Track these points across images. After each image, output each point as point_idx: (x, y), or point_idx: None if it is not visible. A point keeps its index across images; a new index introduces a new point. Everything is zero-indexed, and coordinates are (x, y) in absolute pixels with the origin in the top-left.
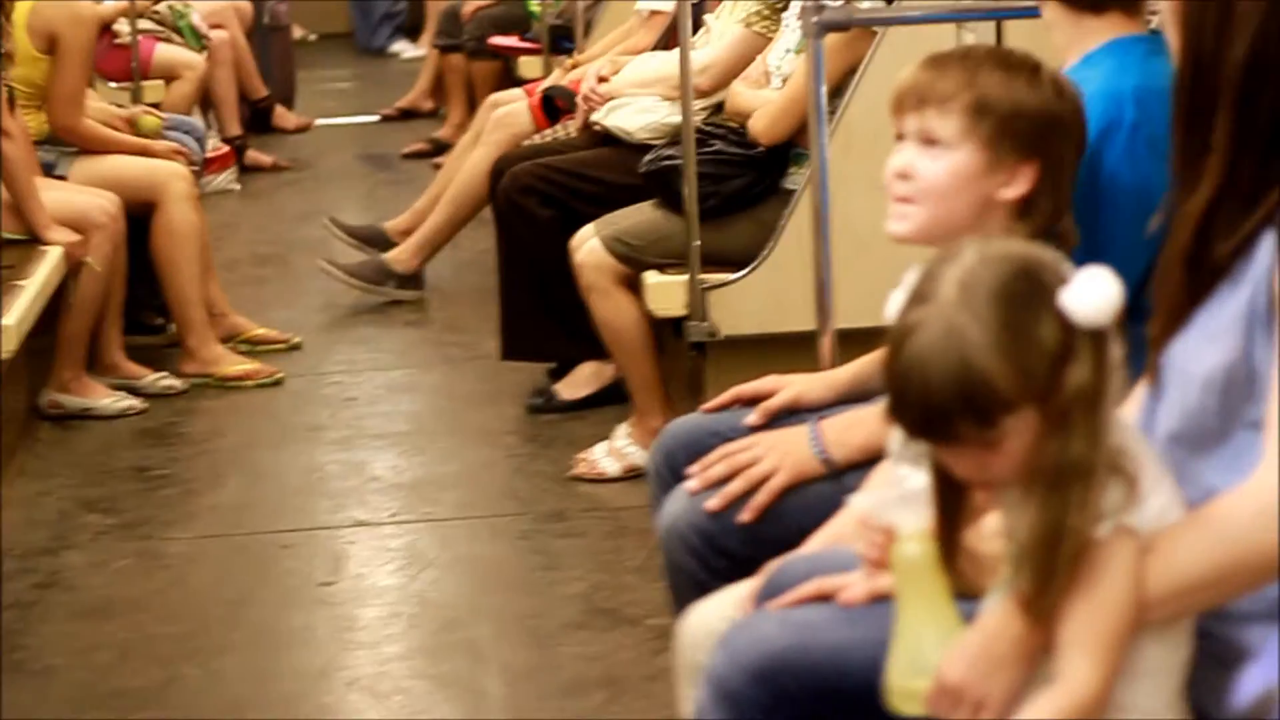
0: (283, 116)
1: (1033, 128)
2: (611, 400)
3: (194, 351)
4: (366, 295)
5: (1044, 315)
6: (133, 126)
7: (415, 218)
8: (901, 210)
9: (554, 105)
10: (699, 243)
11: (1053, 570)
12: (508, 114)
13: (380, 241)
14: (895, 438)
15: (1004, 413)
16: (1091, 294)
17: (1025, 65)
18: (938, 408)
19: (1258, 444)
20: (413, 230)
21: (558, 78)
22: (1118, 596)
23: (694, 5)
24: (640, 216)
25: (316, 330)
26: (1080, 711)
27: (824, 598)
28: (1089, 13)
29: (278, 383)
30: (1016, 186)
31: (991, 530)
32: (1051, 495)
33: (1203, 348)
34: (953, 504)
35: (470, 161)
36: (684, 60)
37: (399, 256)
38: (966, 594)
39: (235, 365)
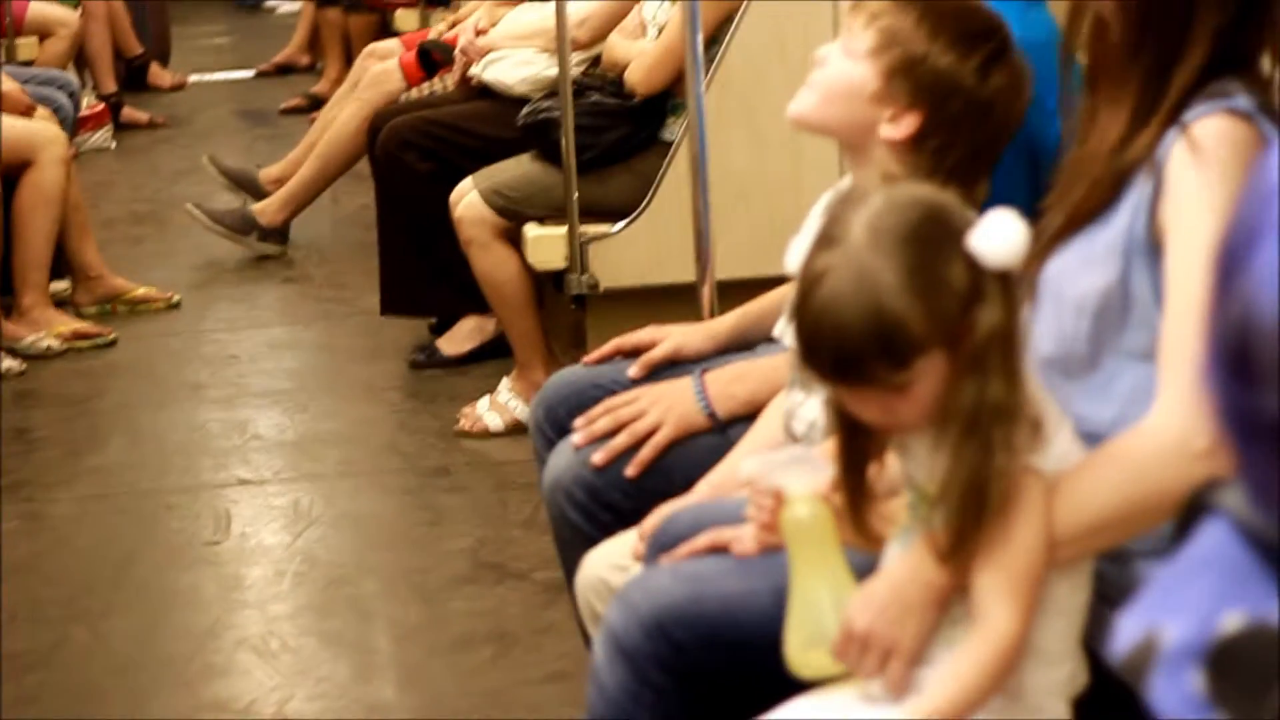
0: (158, 74)
1: (931, 84)
2: (494, 354)
3: (26, 311)
4: (240, 249)
5: (953, 257)
6: None
7: (289, 167)
8: (801, 92)
9: (431, 59)
10: (577, 195)
11: (976, 514)
12: (381, 72)
13: (253, 188)
14: (793, 365)
15: (916, 354)
16: (999, 236)
17: (971, 33)
18: (851, 350)
19: (1128, 373)
20: (285, 180)
21: (440, 31)
22: (1030, 537)
23: None
24: (519, 169)
25: (195, 288)
26: (1004, 653)
27: (717, 549)
28: None
29: (112, 343)
30: (897, 128)
31: (893, 478)
32: (971, 438)
33: (1079, 271)
34: (857, 446)
35: (342, 117)
36: (560, 13)
37: (265, 209)
38: (868, 545)
39: (66, 326)
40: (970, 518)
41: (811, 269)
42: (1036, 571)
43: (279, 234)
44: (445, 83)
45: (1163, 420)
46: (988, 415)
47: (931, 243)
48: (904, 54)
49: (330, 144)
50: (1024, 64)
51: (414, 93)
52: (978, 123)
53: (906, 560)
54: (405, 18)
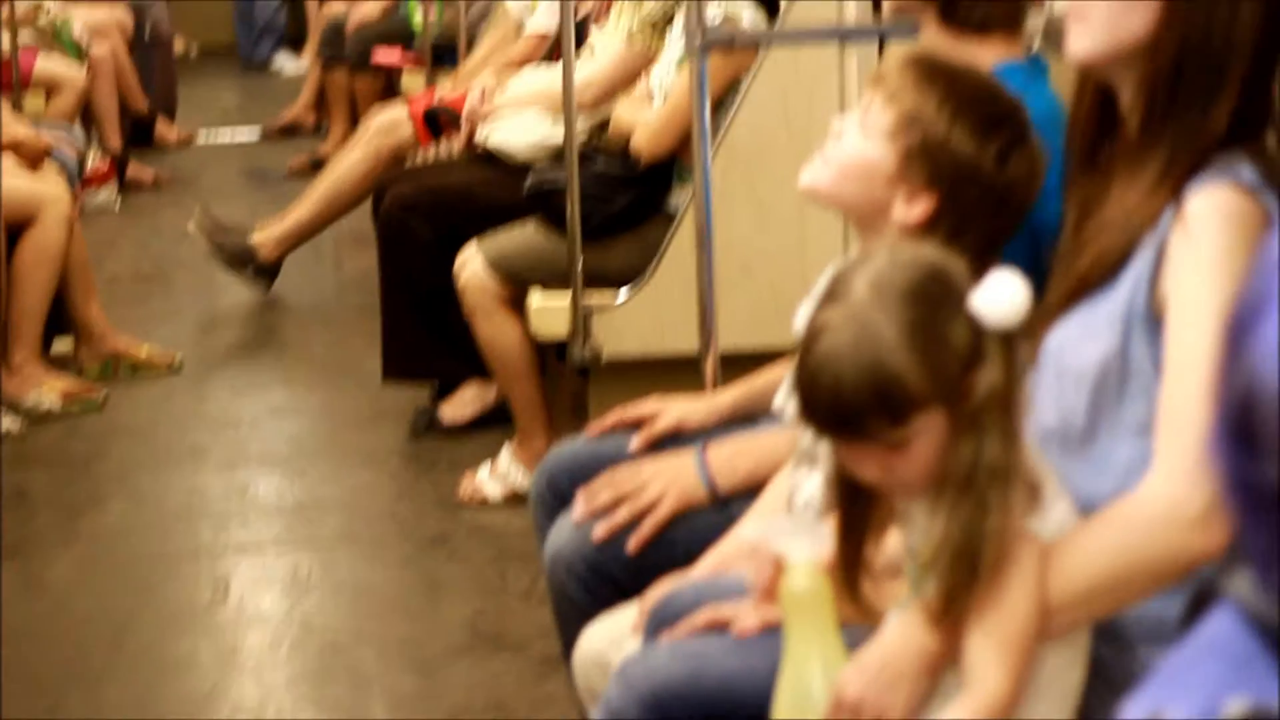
0: (165, 130)
1: (950, 169)
2: (495, 422)
3: (18, 368)
4: (242, 312)
5: (955, 316)
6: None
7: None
8: (815, 163)
9: (437, 122)
10: (582, 265)
11: (969, 576)
12: (390, 121)
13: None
14: (803, 438)
15: (914, 411)
16: (1001, 296)
17: (992, 118)
18: (849, 404)
19: (1125, 447)
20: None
21: (445, 91)
22: (1023, 601)
23: (578, 23)
24: (523, 237)
25: (198, 350)
26: (992, 717)
27: (716, 626)
28: (972, 36)
29: (101, 404)
30: (911, 210)
31: (893, 550)
32: (966, 498)
33: (1081, 341)
34: (857, 518)
35: (349, 160)
36: (568, 78)
37: (262, 242)
38: (865, 620)
39: (58, 383)
40: (962, 578)
41: (814, 323)
42: (1029, 636)
43: (271, 272)
44: (450, 147)
45: (1157, 487)
46: (984, 476)
47: (934, 301)
48: (924, 137)
49: (334, 186)
50: (1041, 149)
51: (419, 157)
52: (994, 209)
53: (900, 627)
54: (411, 79)
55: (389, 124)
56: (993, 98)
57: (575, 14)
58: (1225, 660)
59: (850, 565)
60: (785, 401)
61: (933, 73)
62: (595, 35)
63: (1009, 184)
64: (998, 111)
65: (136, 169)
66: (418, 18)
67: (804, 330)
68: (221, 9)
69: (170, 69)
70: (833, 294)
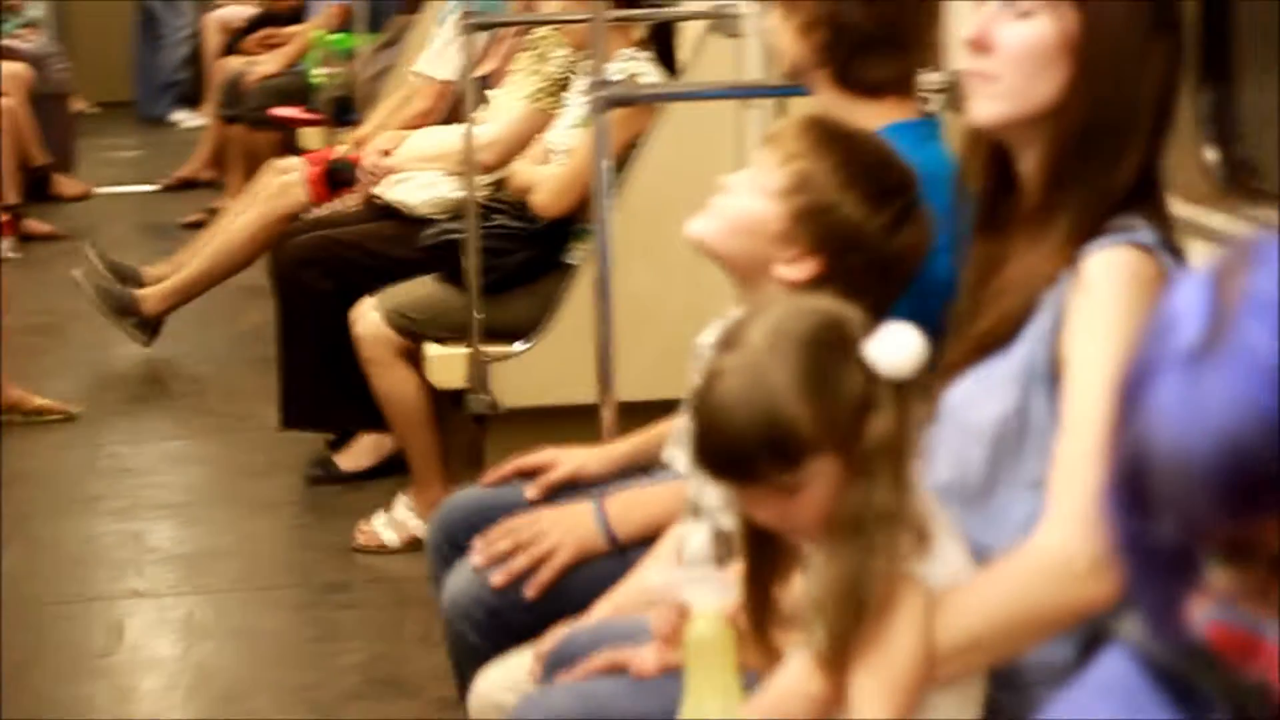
0: (60, 183)
1: (838, 235)
2: (391, 471)
3: None
4: (138, 361)
5: (849, 364)
6: None
7: (174, 267)
8: (704, 214)
9: (335, 178)
10: (482, 315)
11: (854, 617)
12: (284, 184)
13: (135, 283)
14: (689, 489)
15: (806, 456)
16: (895, 346)
17: (884, 188)
18: (741, 449)
19: (1023, 503)
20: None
21: (345, 150)
22: (908, 644)
23: (478, 79)
24: (421, 290)
25: (93, 400)
26: None
27: (614, 669)
28: (865, 97)
29: None
30: (796, 271)
31: (799, 596)
32: (853, 541)
33: (980, 398)
34: (763, 564)
35: (239, 222)
36: (468, 136)
37: (147, 296)
38: (775, 666)
39: None
40: (848, 620)
41: (710, 369)
42: (912, 680)
43: (153, 326)
44: (347, 202)
45: (1046, 540)
46: (872, 520)
47: (828, 348)
48: (814, 201)
49: (222, 247)
50: (930, 218)
51: (316, 211)
52: (879, 277)
53: (789, 673)
54: (310, 136)
55: (281, 187)
56: (886, 165)
57: (473, 72)
58: (1117, 699)
59: (758, 611)
60: (674, 452)
61: (829, 136)
62: (494, 95)
63: (896, 253)
64: (890, 181)
65: (33, 224)
66: (317, 75)
67: (701, 376)
68: (119, 66)
69: (68, 123)
70: (729, 341)
